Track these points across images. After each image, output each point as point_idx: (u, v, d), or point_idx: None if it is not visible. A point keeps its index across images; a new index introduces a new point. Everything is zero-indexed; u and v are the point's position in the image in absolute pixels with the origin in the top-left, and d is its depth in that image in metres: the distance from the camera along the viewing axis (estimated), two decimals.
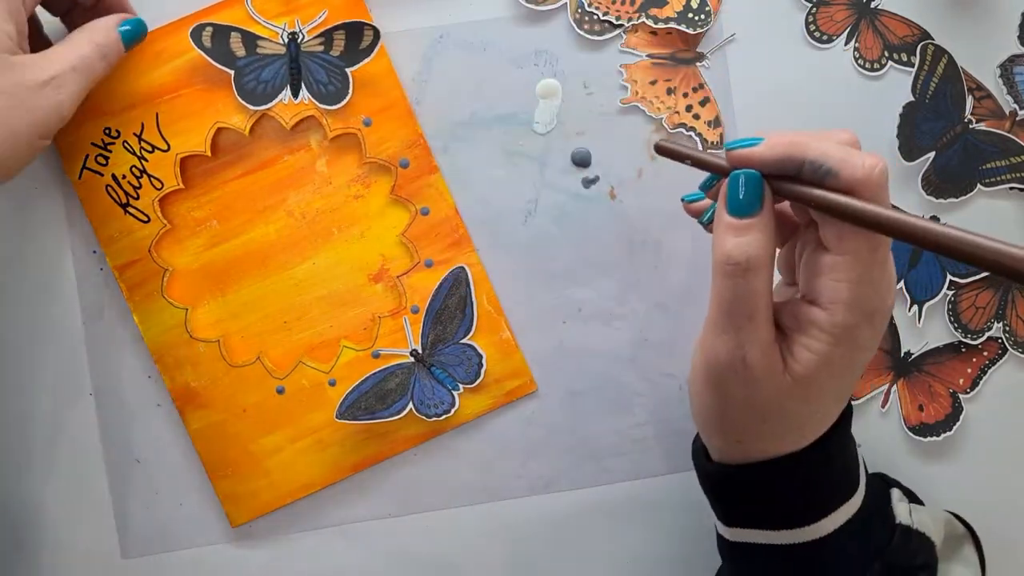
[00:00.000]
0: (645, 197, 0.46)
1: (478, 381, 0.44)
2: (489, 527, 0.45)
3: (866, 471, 0.37)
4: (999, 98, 0.46)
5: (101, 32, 0.40)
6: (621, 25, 0.45)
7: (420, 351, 0.44)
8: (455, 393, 0.44)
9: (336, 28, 0.43)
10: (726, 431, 0.35)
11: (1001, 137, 0.45)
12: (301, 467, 0.44)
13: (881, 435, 0.46)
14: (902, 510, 0.36)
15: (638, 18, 0.45)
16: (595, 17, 0.45)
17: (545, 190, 0.46)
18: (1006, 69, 0.46)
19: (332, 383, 0.44)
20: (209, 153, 0.44)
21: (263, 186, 0.45)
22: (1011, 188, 0.46)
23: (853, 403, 0.45)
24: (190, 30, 0.43)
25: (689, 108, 0.45)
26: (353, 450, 0.44)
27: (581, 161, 0.45)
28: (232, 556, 0.45)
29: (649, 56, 0.46)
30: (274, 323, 0.45)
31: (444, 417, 0.44)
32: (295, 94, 0.44)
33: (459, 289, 0.44)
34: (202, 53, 0.43)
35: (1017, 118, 0.46)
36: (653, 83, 0.45)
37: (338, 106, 0.44)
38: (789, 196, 0.31)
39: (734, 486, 0.36)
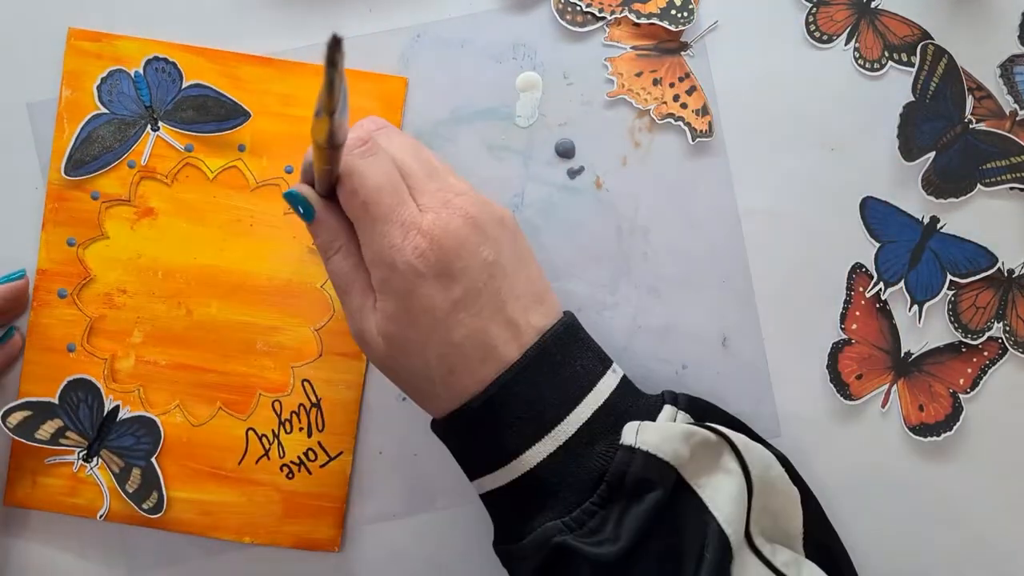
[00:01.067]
0: (631, 185, 0.46)
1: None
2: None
3: (621, 390, 0.38)
4: (999, 98, 0.46)
5: None
6: (603, 17, 0.45)
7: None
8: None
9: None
10: (403, 391, 0.39)
11: (1001, 137, 0.45)
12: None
13: (881, 435, 0.46)
14: (629, 431, 0.36)
15: (621, 11, 0.45)
16: (578, 8, 0.45)
17: (531, 183, 0.46)
18: (1006, 69, 0.46)
19: None
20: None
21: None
22: (1011, 188, 0.46)
23: (854, 403, 0.45)
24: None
25: (676, 98, 0.45)
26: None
27: (565, 152, 0.46)
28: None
29: (633, 48, 0.46)
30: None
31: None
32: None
33: None
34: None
35: (1017, 118, 0.46)
36: (639, 75, 0.46)
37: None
38: (323, 192, 0.37)
39: (447, 439, 0.39)
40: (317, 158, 0.34)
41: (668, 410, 0.38)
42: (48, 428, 0.44)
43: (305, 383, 0.45)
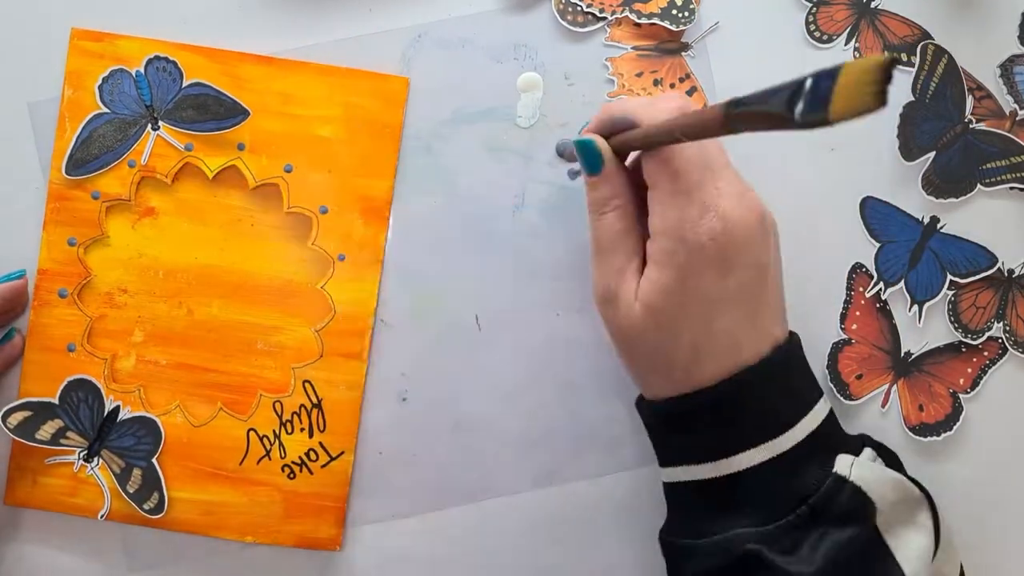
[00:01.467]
0: None
1: None
2: (493, 523, 0.45)
3: (829, 420, 0.38)
4: (999, 98, 0.46)
5: None
6: (604, 18, 0.45)
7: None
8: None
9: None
10: (629, 365, 0.39)
11: (1001, 137, 0.45)
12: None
13: (881, 435, 0.45)
14: (843, 462, 0.36)
15: (622, 11, 0.45)
16: (579, 8, 0.45)
17: (531, 184, 0.46)
18: (1006, 69, 0.46)
19: None
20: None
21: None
22: (1011, 188, 0.46)
23: (854, 403, 0.45)
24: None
25: None
26: None
27: (566, 152, 0.46)
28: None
29: (634, 48, 0.46)
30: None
31: None
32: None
33: None
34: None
35: (1017, 118, 0.46)
36: (639, 75, 0.46)
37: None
38: (616, 148, 0.38)
39: (658, 422, 0.39)
40: (668, 123, 0.33)
41: (868, 452, 0.38)
42: (48, 428, 0.44)
43: (306, 384, 0.45)
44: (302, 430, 0.45)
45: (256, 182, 0.45)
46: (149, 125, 0.44)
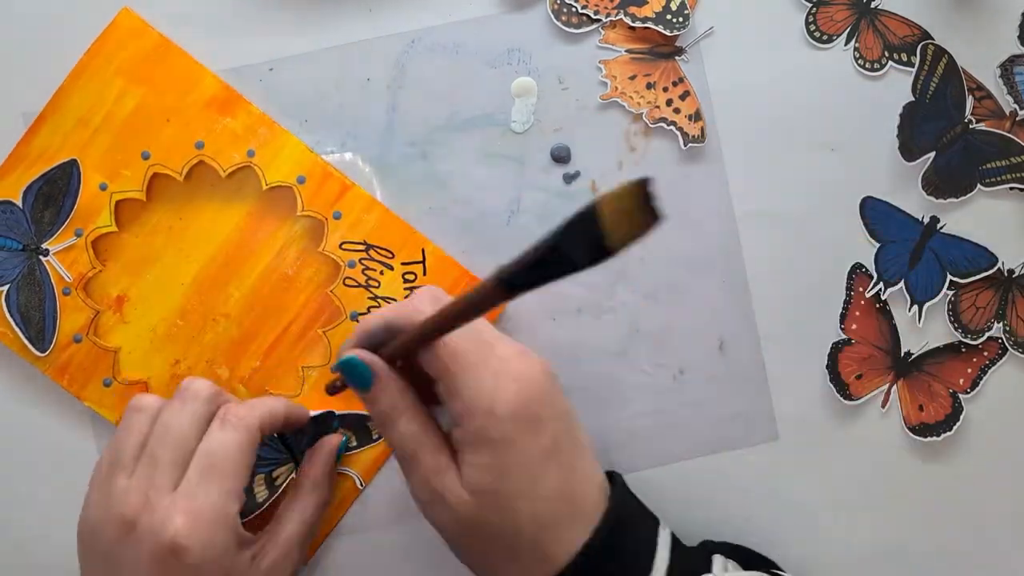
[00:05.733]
0: None
1: None
2: None
3: (674, 545, 0.38)
4: (999, 98, 0.46)
5: (311, 510, 0.42)
6: (599, 20, 0.45)
7: None
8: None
9: None
10: (477, 563, 0.37)
11: (1001, 137, 0.45)
12: None
13: (881, 435, 0.46)
14: None
15: (616, 14, 0.45)
16: (573, 10, 0.45)
17: (527, 189, 0.46)
18: (1006, 69, 0.46)
19: None
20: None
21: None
22: (1011, 188, 0.46)
23: (854, 403, 0.45)
24: None
25: (669, 102, 0.45)
26: None
27: (561, 157, 0.46)
28: None
29: (628, 51, 0.46)
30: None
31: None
32: None
33: None
34: None
35: (1017, 118, 0.45)
36: (632, 78, 0.46)
37: None
38: (389, 358, 0.36)
39: None
40: (436, 317, 0.33)
41: (719, 560, 0.39)
42: (259, 488, 0.44)
43: (343, 245, 0.45)
44: (382, 273, 0.45)
45: (144, 192, 0.45)
46: (40, 256, 0.44)
